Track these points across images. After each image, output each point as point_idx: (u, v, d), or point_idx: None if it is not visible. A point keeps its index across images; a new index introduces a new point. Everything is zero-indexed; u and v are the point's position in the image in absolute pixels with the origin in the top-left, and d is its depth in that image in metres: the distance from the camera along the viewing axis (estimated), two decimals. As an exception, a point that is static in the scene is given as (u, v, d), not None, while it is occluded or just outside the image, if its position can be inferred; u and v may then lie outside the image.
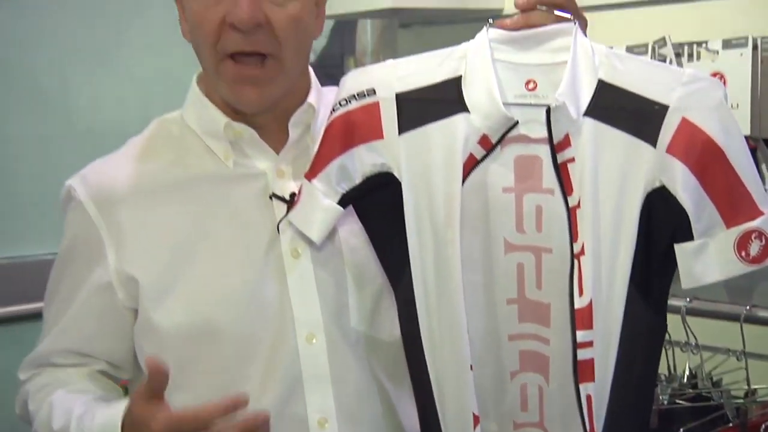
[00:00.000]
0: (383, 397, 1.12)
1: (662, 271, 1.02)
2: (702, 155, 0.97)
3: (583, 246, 0.99)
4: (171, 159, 1.14)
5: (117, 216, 1.10)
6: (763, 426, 1.38)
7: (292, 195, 1.09)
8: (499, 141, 1.01)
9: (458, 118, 1.02)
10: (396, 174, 1.04)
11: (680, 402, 1.45)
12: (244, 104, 1.09)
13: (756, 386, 1.43)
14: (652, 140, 0.98)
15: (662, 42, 1.67)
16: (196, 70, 1.15)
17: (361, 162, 1.05)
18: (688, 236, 0.99)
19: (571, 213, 1.00)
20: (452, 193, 1.01)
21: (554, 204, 1.01)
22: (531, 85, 1.02)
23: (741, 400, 1.44)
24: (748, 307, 1.43)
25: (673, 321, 1.46)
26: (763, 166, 1.56)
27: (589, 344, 0.98)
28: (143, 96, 2.05)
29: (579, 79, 1.00)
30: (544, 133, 0.99)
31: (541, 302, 1.03)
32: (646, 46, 1.68)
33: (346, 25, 2.29)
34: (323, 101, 1.15)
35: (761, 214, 0.98)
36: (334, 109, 1.07)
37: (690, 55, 1.63)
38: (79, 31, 2.02)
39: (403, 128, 1.04)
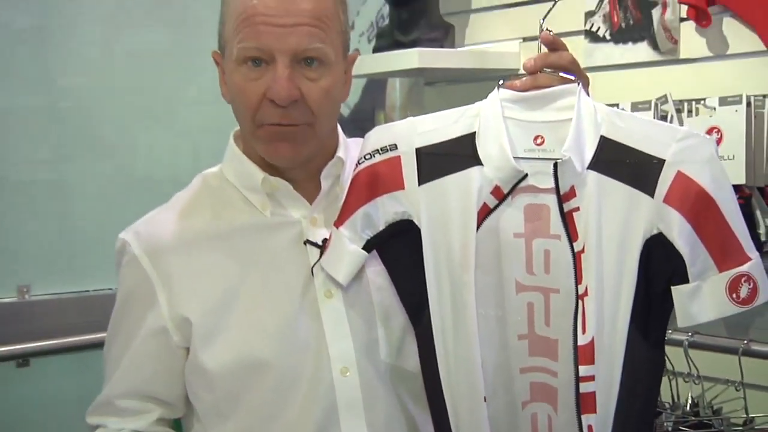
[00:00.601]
0: (410, 423, 1.13)
1: (660, 311, 1.03)
2: (696, 205, 0.99)
3: (587, 288, 1.00)
4: (213, 211, 1.15)
5: (167, 266, 1.12)
6: (761, 452, 1.38)
7: (324, 240, 1.10)
8: (511, 191, 1.03)
9: (473, 171, 1.04)
10: (416, 221, 1.06)
11: (683, 429, 1.46)
12: (279, 160, 1.11)
13: (753, 415, 1.44)
14: (650, 191, 1.00)
15: (664, 99, 1.68)
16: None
17: (384, 210, 1.07)
18: (684, 279, 1.00)
19: (576, 257, 1.01)
20: (468, 239, 1.03)
21: (561, 248, 1.03)
22: (539, 141, 1.04)
23: (740, 428, 1.44)
24: (745, 342, 1.44)
25: (676, 353, 1.47)
26: (758, 212, 1.55)
27: (591, 378, 1.00)
28: (194, 147, 2.10)
29: (583, 135, 1.02)
30: (552, 184, 1.02)
31: (549, 338, 1.04)
32: (649, 102, 1.68)
33: (377, 83, 2.32)
34: (349, 154, 1.17)
35: (749, 259, 1.00)
36: (359, 162, 1.09)
37: (689, 111, 1.63)
38: (139, 89, 2.06)
39: (422, 180, 1.06)
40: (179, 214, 1.16)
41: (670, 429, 1.46)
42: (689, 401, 1.50)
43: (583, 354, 1.00)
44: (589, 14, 1.83)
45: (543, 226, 1.04)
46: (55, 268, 1.96)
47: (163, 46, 2.11)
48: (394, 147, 1.08)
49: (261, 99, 1.06)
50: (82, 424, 1.20)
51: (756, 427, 1.44)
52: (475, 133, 1.06)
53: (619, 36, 1.78)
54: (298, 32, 1.04)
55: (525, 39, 1.93)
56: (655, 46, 1.74)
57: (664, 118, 1.68)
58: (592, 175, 1.02)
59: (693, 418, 1.48)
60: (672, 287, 1.01)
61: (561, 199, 1.02)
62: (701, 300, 1.00)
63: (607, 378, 1.01)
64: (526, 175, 1.03)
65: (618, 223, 1.01)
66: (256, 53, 1.06)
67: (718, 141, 1.59)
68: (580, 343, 1.00)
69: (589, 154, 1.02)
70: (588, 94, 1.07)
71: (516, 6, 1.94)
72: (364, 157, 1.09)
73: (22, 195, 1.94)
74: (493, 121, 1.05)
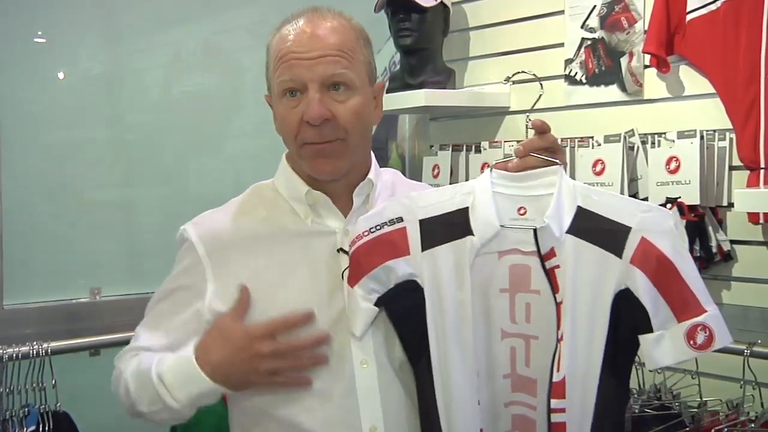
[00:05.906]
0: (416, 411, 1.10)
1: (626, 354, 1.05)
2: (657, 266, 1.00)
3: (562, 334, 1.02)
4: (264, 216, 1.15)
5: (219, 257, 1.12)
6: (713, 430, 1.40)
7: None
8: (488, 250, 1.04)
9: (467, 240, 1.05)
10: (419, 282, 1.06)
11: (648, 411, 1.49)
12: (321, 174, 1.11)
13: (706, 399, 1.47)
14: (619, 253, 1.02)
15: (631, 132, 1.70)
16: (276, 154, 1.19)
17: (394, 272, 1.07)
18: (648, 328, 1.01)
19: (557, 307, 1.02)
20: (465, 296, 1.04)
21: (541, 301, 1.04)
22: (522, 211, 1.06)
23: (695, 410, 1.47)
24: (701, 337, 1.48)
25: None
26: (710, 228, 1.56)
27: (562, 410, 1.01)
28: (236, 172, 2.13)
29: (563, 206, 1.04)
30: (533, 248, 1.04)
31: (530, 377, 1.06)
32: (618, 135, 1.70)
33: (390, 119, 2.35)
34: (380, 178, 1.19)
35: (705, 311, 1.01)
36: (370, 231, 1.08)
37: (652, 143, 1.65)
38: (192, 124, 2.10)
39: (425, 247, 1.07)
40: (234, 215, 1.16)
41: (637, 411, 1.48)
42: (653, 387, 1.53)
43: (556, 389, 1.01)
44: (569, 61, 1.86)
45: (525, 282, 1.05)
46: (122, 273, 1.99)
47: (211, 88, 2.14)
48: (400, 219, 1.09)
49: (300, 122, 1.08)
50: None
51: (708, 409, 1.46)
52: (468, 208, 1.07)
53: (593, 80, 1.81)
54: (325, 62, 1.07)
55: (514, 82, 1.95)
56: (623, 88, 1.76)
57: (631, 149, 1.70)
58: (570, 238, 1.03)
59: (656, 401, 1.51)
60: (639, 336, 1.02)
61: (542, 258, 1.03)
62: (663, 347, 1.01)
63: (578, 411, 1.02)
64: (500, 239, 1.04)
65: (591, 279, 1.02)
66: (291, 84, 1.08)
67: (677, 169, 1.62)
68: (554, 380, 1.01)
69: (567, 221, 1.04)
70: (566, 163, 1.07)
71: (506, 54, 1.98)
72: (376, 227, 1.08)
73: (94, 212, 1.97)
74: (484, 197, 1.07)
